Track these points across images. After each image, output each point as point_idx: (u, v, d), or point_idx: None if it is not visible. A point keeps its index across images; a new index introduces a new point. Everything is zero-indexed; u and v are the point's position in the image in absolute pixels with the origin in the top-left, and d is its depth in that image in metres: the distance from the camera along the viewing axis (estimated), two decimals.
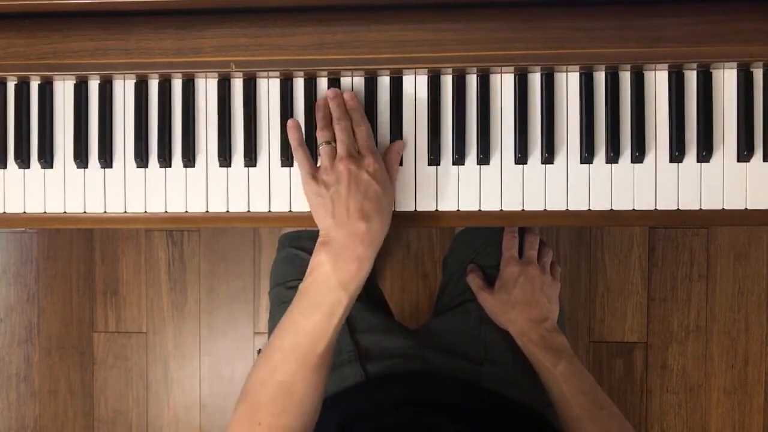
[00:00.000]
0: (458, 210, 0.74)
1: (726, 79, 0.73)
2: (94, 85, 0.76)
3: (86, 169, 0.76)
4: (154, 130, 0.75)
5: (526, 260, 0.88)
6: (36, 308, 1.58)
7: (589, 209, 0.73)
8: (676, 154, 0.72)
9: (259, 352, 0.91)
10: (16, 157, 0.76)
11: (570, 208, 0.73)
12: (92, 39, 0.72)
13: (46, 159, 0.75)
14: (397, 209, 0.74)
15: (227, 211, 0.75)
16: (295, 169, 0.74)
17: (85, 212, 0.76)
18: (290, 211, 0.75)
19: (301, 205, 0.75)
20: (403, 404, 0.76)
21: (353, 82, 0.74)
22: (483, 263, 0.92)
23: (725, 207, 0.73)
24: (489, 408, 0.78)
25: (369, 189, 0.67)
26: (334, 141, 0.70)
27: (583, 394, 0.77)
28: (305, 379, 0.66)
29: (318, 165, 0.71)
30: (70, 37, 0.72)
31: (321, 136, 0.71)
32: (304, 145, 0.72)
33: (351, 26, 0.70)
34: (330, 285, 0.65)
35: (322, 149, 0.70)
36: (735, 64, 0.72)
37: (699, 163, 0.73)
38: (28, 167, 0.76)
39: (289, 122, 0.73)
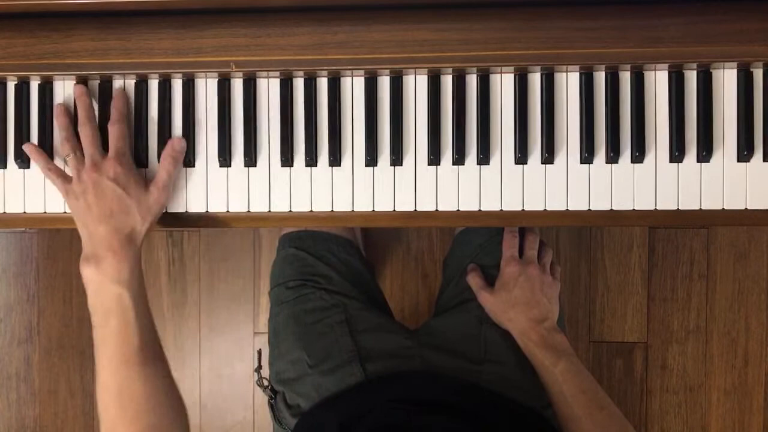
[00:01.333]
0: (458, 210, 0.74)
1: (726, 79, 0.73)
2: (94, 85, 0.76)
3: None
4: (154, 130, 0.75)
5: (526, 260, 0.88)
6: (36, 308, 1.58)
7: (589, 209, 0.73)
8: (676, 154, 0.72)
9: (259, 352, 0.91)
10: (16, 157, 0.76)
11: (570, 208, 0.73)
12: (92, 39, 0.72)
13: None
14: (397, 209, 0.74)
15: (227, 211, 0.75)
16: (295, 169, 0.74)
17: None
18: (290, 211, 0.75)
19: (301, 205, 0.75)
20: (403, 404, 0.76)
21: (353, 82, 0.74)
22: (483, 263, 0.92)
23: (725, 207, 0.73)
24: (489, 408, 0.78)
25: (111, 194, 0.69)
26: (78, 150, 0.72)
27: (582, 394, 0.77)
28: (140, 377, 0.67)
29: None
30: (70, 37, 0.72)
31: (63, 149, 0.73)
32: (53, 167, 0.73)
33: (351, 26, 0.70)
34: (105, 289, 0.68)
35: (69, 162, 0.72)
36: (735, 64, 0.72)
37: (699, 163, 0.73)
38: (28, 167, 0.76)
39: (27, 147, 0.74)
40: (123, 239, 0.69)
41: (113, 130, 0.72)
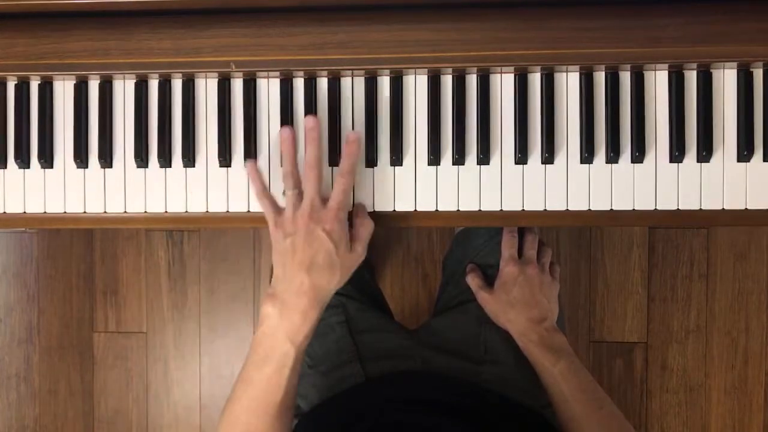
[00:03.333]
0: (458, 210, 0.74)
1: (726, 79, 0.73)
2: (94, 85, 0.76)
3: (86, 169, 0.76)
4: (154, 130, 0.75)
5: (525, 260, 0.87)
6: (36, 308, 1.58)
7: (589, 209, 0.73)
8: (676, 154, 0.72)
9: None
10: (16, 157, 0.76)
11: (570, 208, 0.73)
12: (92, 39, 0.72)
13: (46, 159, 0.75)
14: (397, 209, 0.74)
15: (227, 211, 0.75)
16: None
17: (85, 212, 0.76)
18: None
19: None
20: (403, 404, 0.76)
21: (353, 82, 0.74)
22: (482, 263, 0.92)
23: (725, 207, 0.73)
24: (488, 408, 0.77)
25: (322, 246, 0.67)
26: (299, 188, 0.69)
27: (582, 393, 0.77)
28: (267, 428, 0.67)
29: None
30: (70, 37, 0.72)
31: (285, 183, 0.70)
32: (267, 193, 0.71)
33: (351, 26, 0.70)
34: (277, 338, 0.67)
35: (287, 197, 0.70)
36: (735, 64, 0.72)
37: (699, 163, 0.73)
38: (28, 167, 0.76)
39: (249, 166, 0.72)
40: (315, 300, 0.68)
41: (341, 182, 0.69)
